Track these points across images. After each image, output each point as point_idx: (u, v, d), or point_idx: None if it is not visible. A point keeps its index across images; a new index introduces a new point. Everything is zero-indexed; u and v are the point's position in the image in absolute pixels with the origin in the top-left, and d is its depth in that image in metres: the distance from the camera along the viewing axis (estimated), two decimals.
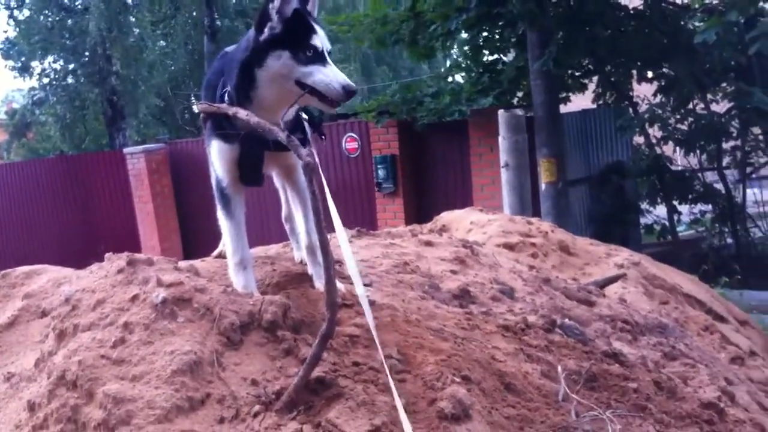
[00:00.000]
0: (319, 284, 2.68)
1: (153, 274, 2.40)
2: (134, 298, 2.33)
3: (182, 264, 2.69)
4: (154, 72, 22.53)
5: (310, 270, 2.78)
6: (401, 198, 12.17)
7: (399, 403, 2.01)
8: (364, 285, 2.32)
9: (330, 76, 2.42)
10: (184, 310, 2.30)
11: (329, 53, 2.52)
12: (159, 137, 18.25)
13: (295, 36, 2.46)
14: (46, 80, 22.46)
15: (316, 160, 2.27)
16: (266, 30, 2.49)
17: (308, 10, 2.59)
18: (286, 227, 3.23)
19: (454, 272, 3.40)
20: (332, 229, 2.38)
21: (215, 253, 3.25)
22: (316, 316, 2.48)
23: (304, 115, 2.70)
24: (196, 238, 14.90)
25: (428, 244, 3.79)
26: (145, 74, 21.66)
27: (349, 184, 12.66)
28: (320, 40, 2.48)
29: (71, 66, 21.80)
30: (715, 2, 8.76)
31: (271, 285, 2.75)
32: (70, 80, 21.86)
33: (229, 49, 2.85)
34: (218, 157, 2.66)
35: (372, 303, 2.56)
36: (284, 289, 2.69)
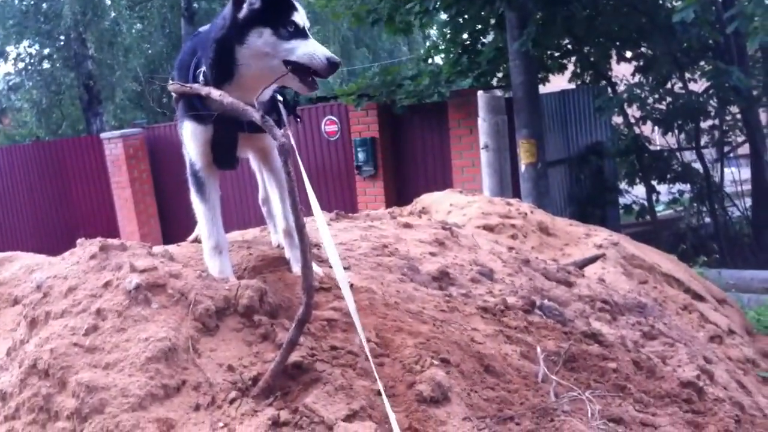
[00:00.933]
0: (297, 268, 2.66)
1: (126, 260, 2.36)
2: (107, 284, 2.29)
3: (156, 249, 2.65)
4: (131, 56, 22.23)
5: (287, 254, 2.75)
6: (381, 181, 12.11)
7: (381, 388, 1.99)
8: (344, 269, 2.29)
9: (313, 49, 2.41)
10: (158, 296, 2.27)
11: (308, 30, 2.49)
12: (136, 122, 18.03)
13: (275, 13, 2.43)
14: (21, 65, 22.14)
15: (292, 141, 2.23)
16: (245, 6, 2.46)
17: None
18: (263, 210, 3.19)
19: (433, 254, 3.38)
20: (310, 212, 2.35)
21: (191, 237, 3.21)
22: (294, 300, 2.45)
23: (279, 97, 2.66)
24: (175, 223, 14.77)
25: (407, 226, 3.77)
26: (121, 58, 21.36)
27: (329, 168, 12.59)
28: (300, 16, 2.46)
29: (47, 50, 21.47)
30: None
31: (248, 269, 2.71)
32: (45, 65, 21.56)
33: (202, 28, 2.80)
34: (191, 138, 2.61)
35: (350, 286, 2.53)
36: (261, 273, 2.66)
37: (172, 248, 2.95)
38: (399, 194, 12.13)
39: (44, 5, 20.75)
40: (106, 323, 2.18)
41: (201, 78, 2.53)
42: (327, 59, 2.39)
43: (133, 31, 23.38)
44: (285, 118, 2.64)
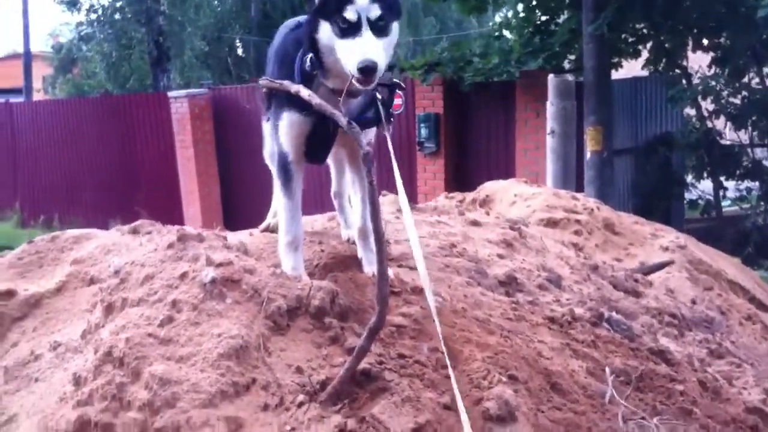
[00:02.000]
0: (369, 269, 2.66)
1: (203, 252, 2.39)
2: (183, 275, 2.32)
3: (232, 240, 2.67)
4: (201, 13, 22.42)
5: (360, 253, 2.75)
6: (443, 159, 12.01)
7: (461, 405, 1.97)
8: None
9: (349, 51, 2.34)
10: (233, 291, 2.29)
11: (374, 21, 2.38)
12: (203, 81, 18.24)
13: (331, 7, 2.40)
14: (93, 16, 22.48)
15: (390, 145, 2.21)
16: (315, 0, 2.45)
17: None
18: (335, 203, 3.19)
19: (501, 256, 3.34)
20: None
21: (263, 226, 3.21)
22: (364, 303, 2.45)
23: (378, 95, 2.55)
24: (234, 187, 14.98)
25: (475, 224, 3.73)
26: (191, 15, 21.56)
27: (391, 141, 12.55)
28: (354, 11, 2.37)
29: (119, 3, 21.77)
30: None
31: (319, 267, 2.72)
32: (117, 17, 21.85)
33: (295, 20, 2.78)
34: (288, 129, 2.59)
35: (419, 290, 2.52)
36: (332, 272, 2.67)
37: (245, 239, 2.98)
38: (459, 173, 12.04)
39: None
40: (181, 315, 2.21)
41: (308, 63, 2.52)
42: (357, 68, 2.29)
43: None
44: (383, 117, 2.57)
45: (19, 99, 22.41)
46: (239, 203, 14.76)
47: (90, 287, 2.63)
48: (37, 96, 27.43)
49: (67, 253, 2.87)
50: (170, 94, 15.60)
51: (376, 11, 2.40)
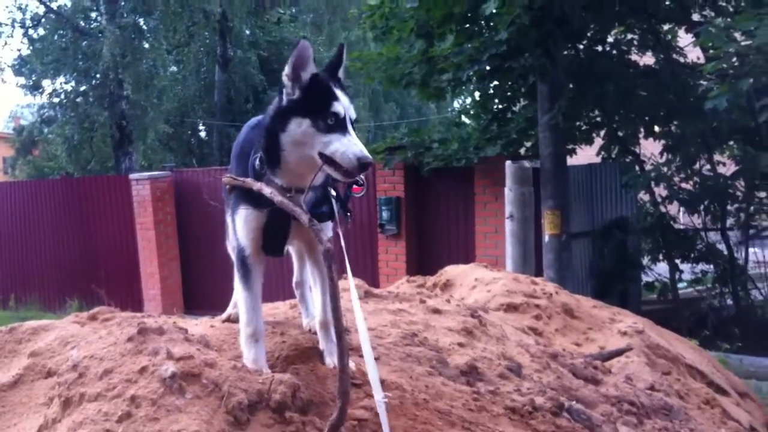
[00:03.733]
0: (330, 360, 2.66)
1: (163, 345, 2.38)
2: (143, 369, 2.30)
3: (193, 332, 2.66)
4: (165, 98, 22.65)
5: (321, 345, 2.75)
6: (404, 240, 12.15)
7: None
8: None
9: (346, 147, 2.39)
10: (193, 386, 2.27)
11: (354, 121, 2.49)
12: (165, 164, 18.29)
13: (314, 103, 2.45)
14: (56, 100, 22.59)
15: (341, 242, 2.25)
16: (285, 96, 2.51)
17: (335, 75, 2.59)
18: (296, 292, 3.21)
19: (461, 345, 3.36)
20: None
21: (224, 316, 3.21)
22: (325, 395, 2.45)
23: (332, 192, 2.66)
24: (195, 267, 14.87)
25: (436, 311, 3.76)
26: (155, 100, 21.76)
27: (352, 224, 12.65)
28: (342, 106, 2.46)
29: (82, 87, 21.95)
30: (726, 67, 8.81)
31: (281, 359, 2.72)
32: (79, 101, 21.97)
33: (255, 119, 2.86)
34: (244, 223, 2.62)
35: (380, 382, 2.53)
36: (293, 364, 2.66)
37: (207, 330, 2.96)
38: (420, 255, 12.15)
39: (83, 44, 21.26)
40: (140, 411, 2.18)
41: (257, 162, 2.57)
42: (357, 159, 2.37)
43: (169, 74, 23.84)
44: (336, 212, 2.64)
45: None
46: (200, 285, 14.64)
47: (47, 380, 2.59)
48: None
49: (24, 344, 2.82)
50: (132, 176, 15.61)
51: (353, 112, 2.50)
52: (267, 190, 2.36)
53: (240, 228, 2.64)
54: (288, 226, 2.61)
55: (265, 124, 2.57)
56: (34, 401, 2.54)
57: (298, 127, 2.46)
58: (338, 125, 2.44)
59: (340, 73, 2.62)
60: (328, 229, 2.62)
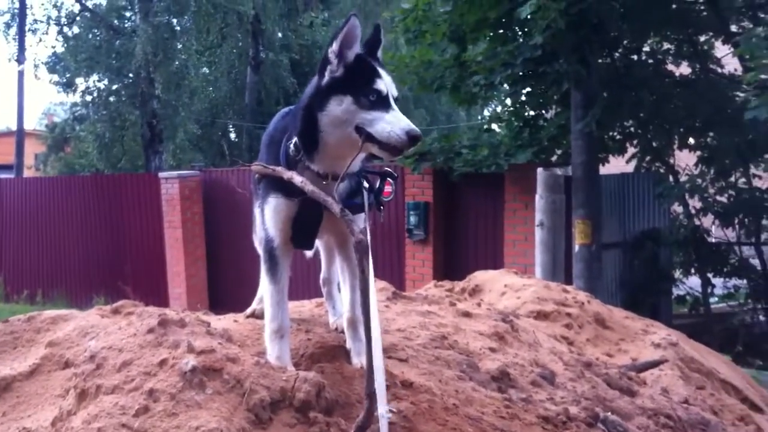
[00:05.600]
0: (357, 360, 2.55)
1: (184, 338, 2.29)
2: (162, 362, 2.21)
3: (215, 326, 2.57)
4: (195, 98, 22.75)
5: (348, 344, 2.64)
6: (431, 246, 12.01)
7: None
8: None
9: (392, 123, 2.30)
10: (213, 381, 2.18)
11: (396, 99, 2.40)
12: (194, 164, 18.34)
13: (357, 80, 2.37)
14: (89, 98, 22.77)
15: (368, 235, 2.15)
16: (326, 74, 2.42)
17: (373, 54, 2.51)
18: (323, 290, 3.10)
19: (492, 350, 3.24)
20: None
21: (248, 311, 3.11)
22: (351, 396, 2.34)
23: (366, 183, 2.56)
24: (221, 267, 14.86)
25: (466, 315, 3.65)
26: (186, 100, 21.86)
27: (380, 228, 12.54)
28: (385, 84, 2.38)
29: (115, 86, 22.10)
30: (766, 77, 8.59)
31: (306, 356, 2.61)
32: (112, 100, 22.13)
33: (287, 109, 2.76)
34: (274, 213, 2.53)
35: (409, 384, 2.41)
36: (318, 362, 2.56)
37: (230, 325, 2.87)
38: (447, 261, 12.00)
39: (117, 43, 21.42)
40: (158, 405, 2.09)
41: (292, 148, 2.48)
42: (406, 134, 2.27)
43: (200, 75, 23.96)
44: (367, 205, 2.54)
45: (9, 175, 22.42)
46: (226, 285, 14.62)
47: (64, 371, 2.51)
48: (28, 173, 27.51)
49: (43, 334, 2.75)
50: (161, 174, 15.65)
51: (395, 90, 2.42)
52: (298, 179, 2.27)
53: (269, 218, 2.54)
54: (319, 217, 2.51)
55: (303, 105, 2.49)
56: (50, 392, 2.46)
57: (339, 104, 2.37)
58: (381, 102, 2.35)
59: (378, 53, 2.53)
60: (360, 221, 2.51)
